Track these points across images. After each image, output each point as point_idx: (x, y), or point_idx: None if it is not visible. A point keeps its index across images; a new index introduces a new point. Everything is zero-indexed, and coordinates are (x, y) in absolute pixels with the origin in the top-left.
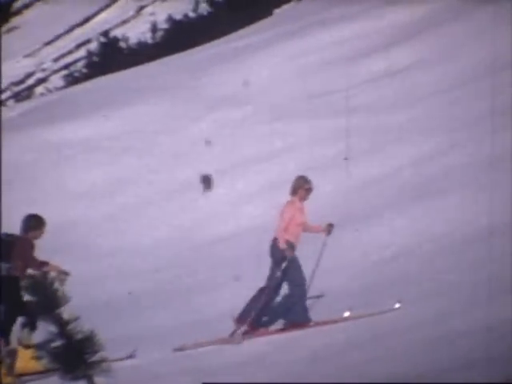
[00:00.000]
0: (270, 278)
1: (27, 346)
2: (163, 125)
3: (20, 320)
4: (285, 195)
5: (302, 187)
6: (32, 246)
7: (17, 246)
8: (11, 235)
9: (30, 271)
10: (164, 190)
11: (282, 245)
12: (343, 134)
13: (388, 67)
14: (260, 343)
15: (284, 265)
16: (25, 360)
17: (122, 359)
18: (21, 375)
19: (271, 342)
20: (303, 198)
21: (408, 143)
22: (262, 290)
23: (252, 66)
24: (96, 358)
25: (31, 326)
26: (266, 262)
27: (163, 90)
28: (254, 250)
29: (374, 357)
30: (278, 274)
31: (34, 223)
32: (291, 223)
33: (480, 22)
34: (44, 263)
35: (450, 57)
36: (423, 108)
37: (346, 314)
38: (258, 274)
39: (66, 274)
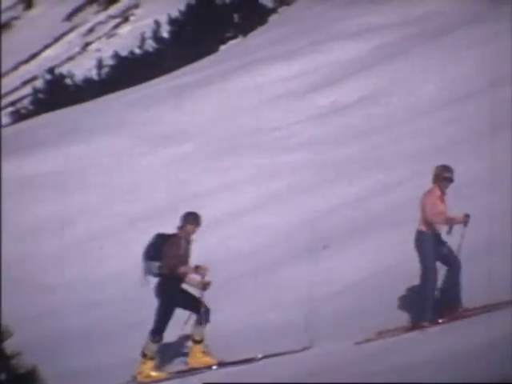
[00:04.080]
0: (423, 272)
1: (198, 341)
2: (108, 161)
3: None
4: (231, 233)
5: (442, 176)
6: (183, 244)
7: (167, 245)
8: (162, 235)
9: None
10: (110, 226)
11: (426, 230)
12: (287, 169)
13: (334, 102)
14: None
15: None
16: (196, 355)
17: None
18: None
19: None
20: (444, 187)
21: (353, 178)
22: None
23: (197, 102)
24: None
25: (199, 319)
26: (211, 297)
27: (109, 127)
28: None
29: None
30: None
31: (190, 219)
32: (432, 212)
33: (427, 57)
34: (194, 267)
35: (396, 91)
36: (369, 143)
37: None
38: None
39: (207, 284)
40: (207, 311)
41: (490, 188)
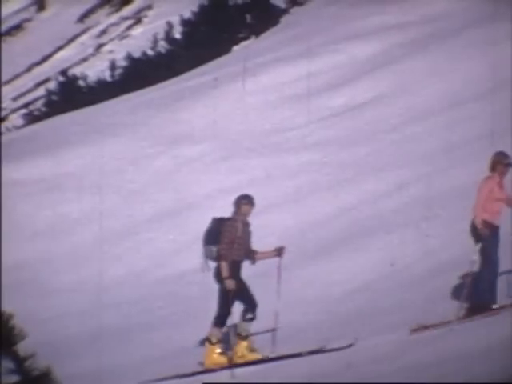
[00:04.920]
0: (483, 261)
1: (244, 338)
2: (122, 162)
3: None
4: None
5: (500, 162)
6: (240, 226)
7: (224, 229)
8: (219, 219)
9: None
10: (123, 227)
11: (478, 223)
12: (301, 169)
13: (346, 102)
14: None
15: (479, 245)
16: (242, 351)
17: (340, 348)
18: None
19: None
20: (503, 173)
21: (366, 178)
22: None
23: (210, 103)
24: None
25: (250, 315)
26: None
27: (122, 128)
28: (213, 287)
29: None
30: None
31: (244, 200)
32: (489, 199)
33: (436, 58)
34: (253, 251)
35: (408, 91)
36: (382, 143)
37: None
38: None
39: (282, 249)
40: (255, 306)
41: None
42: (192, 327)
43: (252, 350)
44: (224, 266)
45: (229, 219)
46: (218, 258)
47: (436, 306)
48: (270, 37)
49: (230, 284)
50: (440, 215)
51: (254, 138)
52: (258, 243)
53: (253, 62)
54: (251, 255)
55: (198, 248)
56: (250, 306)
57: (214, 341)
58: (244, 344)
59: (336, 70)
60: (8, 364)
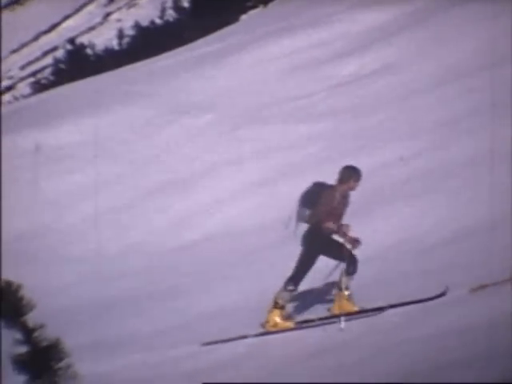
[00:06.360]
0: None
1: (344, 290)
2: (132, 131)
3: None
4: (255, 203)
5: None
6: (338, 197)
7: (322, 195)
8: (320, 184)
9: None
10: (135, 196)
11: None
12: (310, 139)
13: (356, 72)
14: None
15: None
16: (342, 302)
17: (432, 298)
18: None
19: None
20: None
21: (375, 148)
22: None
23: (217, 73)
24: (62, 364)
25: (348, 268)
26: (238, 266)
27: (130, 97)
28: (226, 254)
29: (369, 355)
30: None
31: (353, 174)
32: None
33: (445, 27)
34: (342, 225)
35: (417, 61)
36: (390, 112)
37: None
38: (229, 280)
39: (357, 242)
40: (356, 261)
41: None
42: (205, 297)
43: (351, 301)
44: (328, 225)
45: (329, 187)
46: (308, 222)
47: (448, 276)
48: (278, 6)
49: (329, 225)
50: (445, 187)
51: (263, 107)
52: (271, 213)
53: (261, 30)
54: (339, 228)
55: (208, 217)
56: (351, 260)
57: (280, 303)
58: (344, 296)
59: (346, 39)
60: (17, 335)
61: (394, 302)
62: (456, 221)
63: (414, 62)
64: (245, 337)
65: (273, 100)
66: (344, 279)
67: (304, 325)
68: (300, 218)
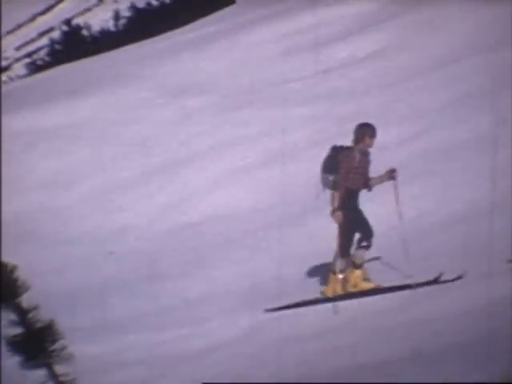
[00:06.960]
0: None
1: (358, 266)
2: (126, 113)
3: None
4: (253, 182)
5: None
6: (358, 156)
7: (341, 158)
8: (338, 147)
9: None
10: (128, 178)
11: None
12: (304, 122)
13: (350, 55)
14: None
15: None
16: (355, 280)
17: (450, 280)
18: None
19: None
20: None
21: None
22: None
23: (214, 55)
24: (56, 346)
25: (365, 243)
26: (233, 249)
27: (126, 78)
28: (221, 236)
29: (364, 338)
30: None
31: (367, 131)
32: None
33: (440, 12)
34: (369, 178)
35: (414, 44)
36: (385, 96)
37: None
38: (224, 262)
39: (392, 171)
40: (371, 235)
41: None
42: (200, 278)
43: (366, 279)
44: (335, 196)
45: (347, 148)
46: (333, 188)
47: (445, 260)
48: None
49: (337, 216)
50: (444, 169)
51: (259, 89)
52: (266, 196)
53: (256, 13)
54: (368, 183)
55: (202, 200)
56: (366, 233)
57: (336, 270)
58: (358, 273)
59: (341, 22)
60: (11, 316)
61: (396, 283)
62: (455, 203)
63: (409, 45)
64: (316, 301)
65: (267, 83)
66: (358, 254)
67: (383, 289)
68: (324, 184)
